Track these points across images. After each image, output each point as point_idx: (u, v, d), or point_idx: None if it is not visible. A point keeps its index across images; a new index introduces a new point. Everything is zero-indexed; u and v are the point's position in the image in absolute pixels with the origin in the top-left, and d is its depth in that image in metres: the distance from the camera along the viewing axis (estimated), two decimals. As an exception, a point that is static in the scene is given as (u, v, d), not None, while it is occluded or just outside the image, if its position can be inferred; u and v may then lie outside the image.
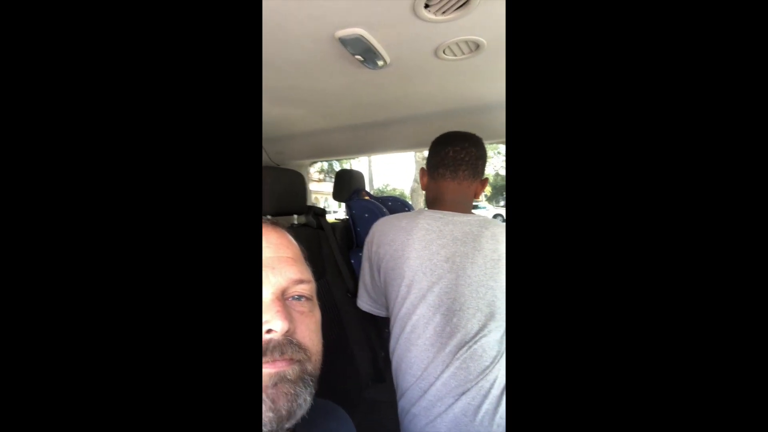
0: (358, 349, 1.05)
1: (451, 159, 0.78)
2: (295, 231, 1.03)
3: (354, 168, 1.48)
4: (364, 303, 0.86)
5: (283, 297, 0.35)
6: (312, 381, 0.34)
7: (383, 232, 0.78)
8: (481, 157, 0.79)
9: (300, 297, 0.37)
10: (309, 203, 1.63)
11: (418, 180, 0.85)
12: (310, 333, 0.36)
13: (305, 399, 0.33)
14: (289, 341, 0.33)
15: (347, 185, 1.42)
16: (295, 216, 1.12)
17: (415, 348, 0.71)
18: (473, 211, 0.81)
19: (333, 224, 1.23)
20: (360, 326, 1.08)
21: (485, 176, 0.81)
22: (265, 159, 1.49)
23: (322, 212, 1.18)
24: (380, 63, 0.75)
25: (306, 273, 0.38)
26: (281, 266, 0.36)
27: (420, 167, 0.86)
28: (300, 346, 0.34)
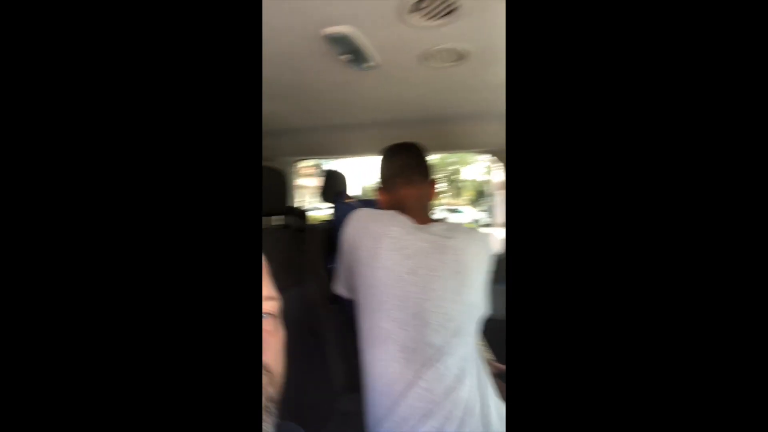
0: (333, 359, 1.01)
1: (400, 167, 0.81)
2: (273, 234, 0.99)
3: (343, 168, 1.45)
4: (340, 287, 0.83)
5: None
6: (274, 407, 0.32)
7: (357, 231, 0.76)
8: (425, 161, 0.83)
9: (266, 315, 0.34)
10: (294, 202, 1.58)
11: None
12: (274, 354, 0.33)
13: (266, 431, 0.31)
14: None
15: (331, 186, 1.39)
16: (273, 217, 1.08)
17: (379, 363, 0.69)
18: (450, 216, 0.81)
19: (316, 226, 1.19)
20: (337, 335, 1.05)
21: (431, 178, 0.84)
22: None
23: (302, 213, 1.14)
24: (367, 64, 0.72)
25: (271, 289, 0.35)
26: None
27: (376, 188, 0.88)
28: (265, 368, 0.31)
